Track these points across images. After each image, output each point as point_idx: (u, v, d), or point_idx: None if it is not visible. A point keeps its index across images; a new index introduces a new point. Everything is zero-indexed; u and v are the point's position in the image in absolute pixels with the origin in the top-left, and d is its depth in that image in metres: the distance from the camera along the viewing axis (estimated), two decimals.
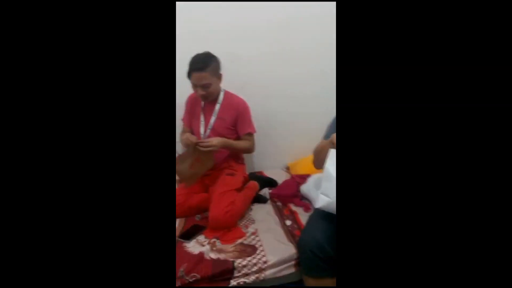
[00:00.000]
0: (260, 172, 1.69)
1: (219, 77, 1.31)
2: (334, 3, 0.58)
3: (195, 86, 1.26)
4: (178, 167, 1.15)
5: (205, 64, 1.22)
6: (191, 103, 1.43)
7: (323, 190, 0.89)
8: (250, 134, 1.38)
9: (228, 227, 1.14)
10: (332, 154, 0.88)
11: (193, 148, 1.20)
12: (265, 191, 1.45)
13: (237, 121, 1.36)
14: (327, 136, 1.09)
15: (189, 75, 1.24)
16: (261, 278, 0.95)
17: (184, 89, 1.30)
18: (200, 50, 1.28)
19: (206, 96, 1.28)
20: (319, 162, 0.97)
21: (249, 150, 1.41)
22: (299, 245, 0.96)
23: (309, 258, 0.89)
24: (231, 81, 1.41)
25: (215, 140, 1.24)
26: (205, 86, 1.24)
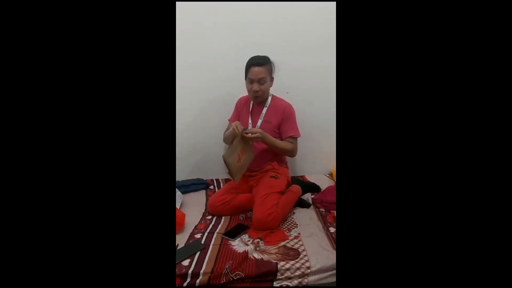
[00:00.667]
0: (303, 177, 1.69)
1: (271, 79, 1.36)
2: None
3: (251, 82, 1.31)
4: (228, 160, 1.19)
5: (264, 60, 1.31)
6: (241, 105, 1.49)
7: None
8: (294, 138, 1.38)
9: (271, 229, 1.16)
10: None
11: (240, 138, 1.24)
12: (308, 196, 1.44)
13: (282, 124, 1.37)
14: None
15: (247, 71, 1.32)
16: (304, 283, 0.95)
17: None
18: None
19: (259, 93, 1.32)
20: None
21: (291, 152, 1.40)
22: None
23: None
24: (278, 87, 1.44)
25: (259, 130, 1.27)
26: (261, 81, 1.30)
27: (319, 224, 1.21)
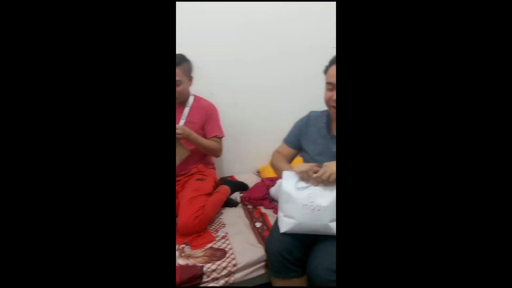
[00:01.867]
0: (232, 177, 1.69)
1: (190, 79, 1.32)
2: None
3: None
4: None
5: (178, 59, 1.23)
6: None
7: (286, 212, 0.89)
8: (218, 137, 1.38)
9: (198, 232, 1.13)
10: (286, 176, 0.91)
11: None
12: (236, 195, 1.45)
13: (206, 124, 1.36)
14: (287, 140, 1.13)
15: None
16: (230, 281, 0.95)
17: None
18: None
19: (176, 95, 1.26)
20: (280, 173, 1.00)
21: (215, 151, 1.38)
22: (266, 248, 0.97)
23: (276, 260, 0.90)
24: (201, 87, 1.41)
25: (180, 126, 1.21)
26: (177, 83, 1.23)
27: (246, 221, 1.23)
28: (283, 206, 0.90)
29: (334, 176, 0.85)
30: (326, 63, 0.97)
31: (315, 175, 0.87)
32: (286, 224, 0.89)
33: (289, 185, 0.89)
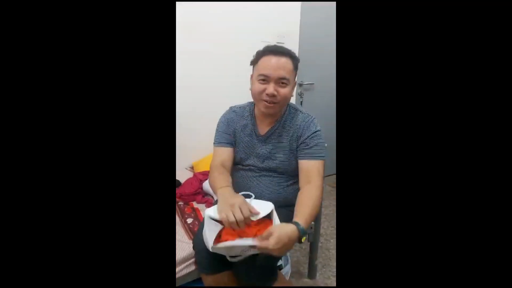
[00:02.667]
0: None
1: None
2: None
3: None
4: None
5: None
6: None
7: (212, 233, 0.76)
8: None
9: None
10: (208, 224, 0.77)
11: None
12: None
13: None
14: (219, 140, 1.00)
15: None
16: None
17: None
18: None
19: None
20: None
21: None
22: (194, 245, 0.95)
23: (203, 256, 0.88)
24: None
25: None
26: None
27: (177, 218, 1.18)
28: (207, 228, 0.78)
29: (284, 250, 0.70)
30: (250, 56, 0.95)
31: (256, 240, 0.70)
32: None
33: (211, 209, 0.79)
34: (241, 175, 1.00)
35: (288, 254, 0.98)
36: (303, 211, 0.80)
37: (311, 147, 0.92)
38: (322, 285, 1.34)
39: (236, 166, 1.03)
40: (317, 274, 1.38)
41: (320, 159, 0.92)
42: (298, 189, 0.91)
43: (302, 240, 0.76)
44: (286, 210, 0.92)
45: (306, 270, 1.39)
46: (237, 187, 0.92)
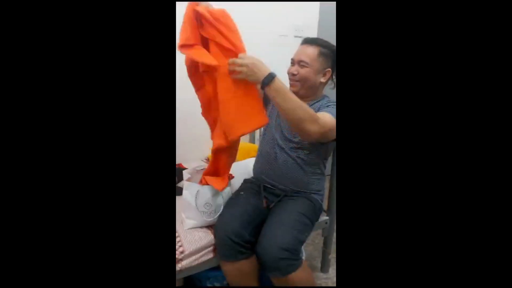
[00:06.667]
0: (179, 165, 1.63)
1: None
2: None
3: None
4: None
5: None
6: None
7: (187, 215, 1.01)
8: None
9: None
10: (186, 186, 1.02)
11: None
12: (183, 183, 1.40)
13: None
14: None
15: None
16: (178, 268, 0.92)
17: None
18: None
19: None
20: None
21: None
22: (215, 233, 0.97)
23: (226, 244, 0.91)
24: None
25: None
26: None
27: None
28: (185, 210, 1.02)
29: (255, 69, 0.82)
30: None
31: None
32: (187, 224, 1.02)
33: (188, 193, 1.00)
34: (268, 144, 1.12)
35: (302, 247, 0.99)
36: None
37: (327, 106, 1.00)
38: (335, 279, 1.35)
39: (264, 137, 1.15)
40: (330, 269, 1.39)
41: (333, 116, 0.92)
42: (319, 178, 1.09)
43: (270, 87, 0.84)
44: (305, 195, 1.06)
45: (319, 264, 1.40)
46: (260, 156, 1.14)
